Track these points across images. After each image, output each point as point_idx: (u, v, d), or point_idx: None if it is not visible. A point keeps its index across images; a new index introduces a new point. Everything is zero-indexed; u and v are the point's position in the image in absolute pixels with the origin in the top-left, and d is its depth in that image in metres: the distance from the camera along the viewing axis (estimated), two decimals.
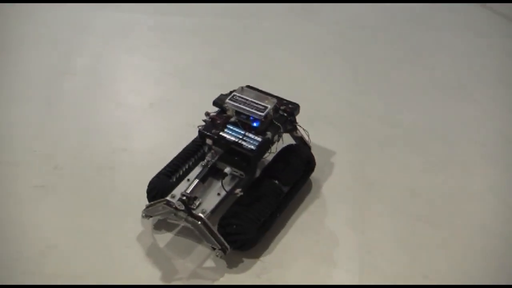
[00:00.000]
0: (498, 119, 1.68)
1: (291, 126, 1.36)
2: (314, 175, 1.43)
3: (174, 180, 1.30)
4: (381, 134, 1.61)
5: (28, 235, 1.32)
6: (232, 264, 1.25)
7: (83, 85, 1.76)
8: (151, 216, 1.28)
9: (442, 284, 1.22)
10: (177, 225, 1.31)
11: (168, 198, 1.21)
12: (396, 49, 1.96)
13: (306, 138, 1.42)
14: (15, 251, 1.27)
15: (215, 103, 1.32)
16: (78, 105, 1.69)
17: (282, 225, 1.33)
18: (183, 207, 1.18)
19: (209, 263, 1.25)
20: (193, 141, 1.39)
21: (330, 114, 1.67)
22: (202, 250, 1.27)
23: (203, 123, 1.29)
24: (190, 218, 1.20)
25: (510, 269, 1.27)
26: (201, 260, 1.26)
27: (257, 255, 1.26)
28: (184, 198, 1.18)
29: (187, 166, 1.33)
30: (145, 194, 1.33)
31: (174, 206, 1.20)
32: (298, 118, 1.37)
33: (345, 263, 1.27)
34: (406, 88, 1.79)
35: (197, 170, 1.27)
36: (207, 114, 1.29)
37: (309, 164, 1.41)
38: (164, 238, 1.30)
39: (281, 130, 1.30)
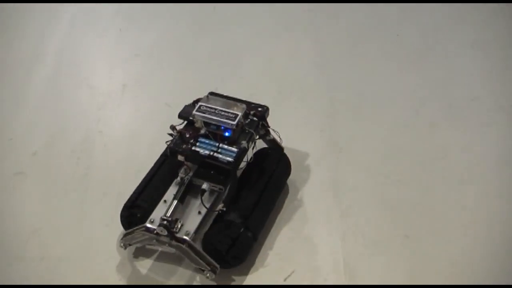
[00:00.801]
0: (465, 80, 1.72)
1: (264, 131, 1.31)
2: (288, 150, 1.42)
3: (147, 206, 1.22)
4: (350, 104, 1.64)
5: (12, 221, 1.33)
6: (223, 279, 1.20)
7: (53, 71, 1.76)
8: (129, 245, 1.20)
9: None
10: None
11: (147, 224, 1.14)
12: (361, 21, 1.99)
13: (278, 140, 1.35)
14: None
15: (180, 116, 1.25)
16: (50, 91, 1.70)
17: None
18: (165, 232, 1.12)
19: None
20: (159, 159, 1.32)
21: (297, 90, 1.69)
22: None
23: (170, 137, 1.23)
24: (174, 243, 1.13)
25: (488, 220, 1.32)
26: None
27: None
28: (165, 222, 1.11)
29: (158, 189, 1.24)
30: (122, 176, 1.36)
31: (155, 232, 1.13)
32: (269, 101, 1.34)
33: (326, 226, 1.31)
34: (375, 58, 1.82)
35: (172, 189, 1.20)
36: (173, 128, 1.23)
37: (286, 168, 1.36)
38: None
39: (255, 137, 1.26)
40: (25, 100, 1.66)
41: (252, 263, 1.22)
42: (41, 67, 1.77)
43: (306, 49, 1.84)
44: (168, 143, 1.22)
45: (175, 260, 1.22)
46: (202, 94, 1.32)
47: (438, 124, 1.58)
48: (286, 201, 1.36)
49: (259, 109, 1.28)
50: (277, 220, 1.32)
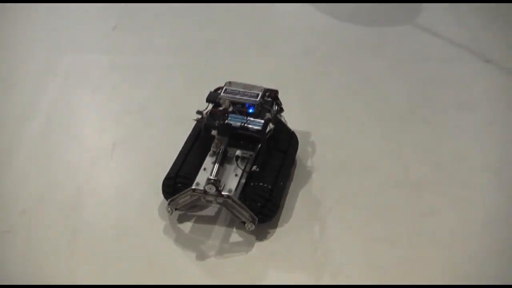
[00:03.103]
0: (453, 140, 1.75)
1: (279, 108, 1.55)
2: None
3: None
4: (337, 162, 1.66)
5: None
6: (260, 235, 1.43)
7: (45, 127, 1.77)
8: (177, 209, 1.42)
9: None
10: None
11: (194, 186, 1.37)
12: (349, 78, 2.03)
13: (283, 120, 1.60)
14: None
15: (208, 100, 1.49)
16: (40, 147, 1.70)
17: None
18: (213, 190, 1.34)
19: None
20: (188, 138, 1.56)
21: None
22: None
23: (196, 120, 1.50)
24: (220, 199, 1.36)
25: (478, 279, 1.33)
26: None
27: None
28: (212, 181, 1.33)
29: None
30: (111, 236, 1.40)
31: (203, 191, 1.35)
32: None
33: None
34: (362, 116, 1.85)
35: (208, 159, 1.44)
36: (199, 112, 1.46)
37: (296, 144, 1.61)
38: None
39: (273, 111, 1.50)
40: (15, 156, 1.67)
41: (277, 220, 1.47)
42: (33, 123, 1.78)
43: (295, 106, 1.86)
44: (196, 120, 1.50)
45: (210, 221, 1.46)
46: None
47: (426, 184, 1.60)
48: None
49: (271, 91, 1.53)
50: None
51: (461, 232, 1.46)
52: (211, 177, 1.35)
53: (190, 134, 1.57)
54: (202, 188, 1.36)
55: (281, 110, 1.56)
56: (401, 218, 1.50)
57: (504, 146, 1.76)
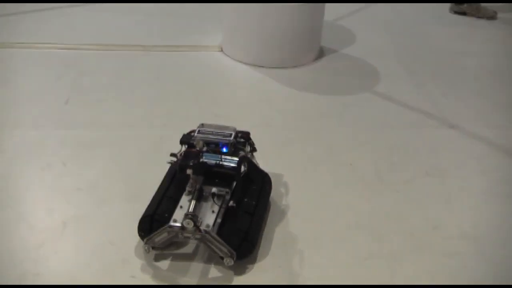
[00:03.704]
0: (424, 209, 1.68)
1: (252, 148, 1.59)
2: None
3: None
4: (309, 232, 1.56)
5: None
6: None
7: None
8: (153, 247, 1.41)
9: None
10: None
11: (171, 223, 1.37)
12: (312, 148, 1.96)
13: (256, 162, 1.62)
14: None
15: (182, 141, 1.51)
16: None
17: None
18: (191, 225, 1.33)
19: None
20: (163, 181, 1.57)
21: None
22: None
23: (171, 162, 1.50)
24: (198, 234, 1.36)
25: None
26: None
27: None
28: (190, 216, 1.34)
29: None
30: None
31: (180, 227, 1.35)
32: None
33: None
34: (328, 183, 1.77)
35: (185, 197, 1.44)
36: (173, 155, 1.48)
37: (270, 185, 1.63)
38: None
39: (247, 151, 1.54)
40: None
41: (256, 256, 1.46)
42: None
43: None
44: (170, 162, 1.49)
45: (188, 258, 1.45)
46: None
47: (401, 255, 1.50)
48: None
49: (243, 132, 1.57)
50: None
51: None
52: (189, 212, 1.35)
53: (164, 177, 1.58)
54: (179, 224, 1.35)
55: (254, 149, 1.59)
56: None
57: (478, 212, 1.69)
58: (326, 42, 2.79)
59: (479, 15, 3.36)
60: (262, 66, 2.55)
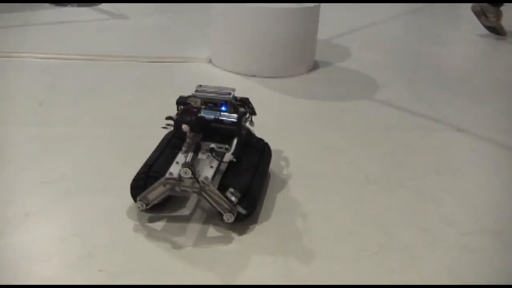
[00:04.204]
0: (436, 203, 1.48)
1: (251, 111, 1.47)
2: None
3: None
4: (311, 227, 1.35)
5: None
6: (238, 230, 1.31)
7: None
8: (148, 204, 1.30)
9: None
10: None
11: (167, 175, 1.27)
12: (310, 147, 1.77)
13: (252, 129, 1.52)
14: None
15: (178, 102, 1.39)
16: None
17: None
18: (189, 174, 1.23)
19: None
20: (158, 145, 1.46)
21: None
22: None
23: (166, 126, 1.35)
24: (197, 185, 1.26)
25: None
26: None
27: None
28: (188, 165, 1.23)
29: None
30: None
31: (177, 179, 1.26)
32: None
33: None
34: (325, 179, 1.58)
35: (181, 155, 1.33)
36: (169, 117, 1.34)
37: (269, 153, 1.56)
38: None
39: (247, 112, 1.44)
40: None
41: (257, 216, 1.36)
42: None
43: None
44: (165, 127, 1.35)
45: (185, 220, 1.34)
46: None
47: (415, 250, 1.29)
48: None
49: (242, 98, 1.47)
50: None
51: None
52: (186, 162, 1.25)
53: (159, 143, 1.47)
54: (176, 176, 1.26)
55: (253, 113, 1.48)
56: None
57: (498, 208, 1.49)
58: (320, 57, 2.66)
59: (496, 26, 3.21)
60: (254, 76, 2.40)
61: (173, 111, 1.40)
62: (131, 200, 1.37)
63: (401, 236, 1.34)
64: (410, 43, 3.15)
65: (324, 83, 2.38)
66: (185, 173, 1.24)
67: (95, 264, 1.19)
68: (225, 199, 1.27)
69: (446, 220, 1.41)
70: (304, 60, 2.49)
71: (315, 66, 2.57)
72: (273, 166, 1.59)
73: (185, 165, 1.24)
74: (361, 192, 1.53)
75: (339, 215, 1.42)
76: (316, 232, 1.34)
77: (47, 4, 3.46)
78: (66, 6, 3.46)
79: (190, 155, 1.28)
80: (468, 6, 3.31)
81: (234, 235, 1.30)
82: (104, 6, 3.52)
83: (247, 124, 1.48)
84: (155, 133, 1.50)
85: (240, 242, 1.28)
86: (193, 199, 1.43)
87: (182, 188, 1.28)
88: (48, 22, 3.11)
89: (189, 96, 1.42)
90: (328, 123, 1.97)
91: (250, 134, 1.50)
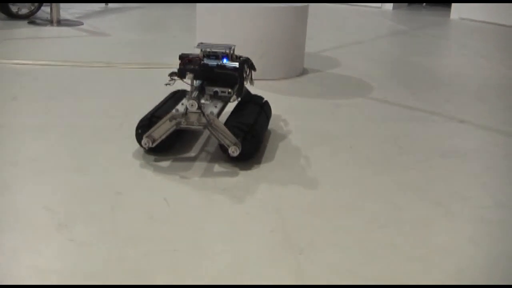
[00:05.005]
0: (447, 181, 1.35)
1: (252, 67, 1.50)
2: None
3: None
4: (309, 200, 1.21)
5: None
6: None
7: None
8: (154, 141, 1.30)
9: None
10: None
11: (172, 112, 1.29)
12: (306, 134, 1.64)
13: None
14: None
15: (181, 56, 1.41)
16: None
17: None
18: (195, 107, 1.25)
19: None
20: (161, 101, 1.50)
21: None
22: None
23: (170, 81, 1.38)
24: (203, 120, 1.28)
25: None
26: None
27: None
28: (195, 99, 1.25)
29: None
30: None
31: (183, 113, 1.27)
32: None
33: None
34: (327, 162, 1.44)
35: (185, 100, 1.33)
36: (172, 73, 1.38)
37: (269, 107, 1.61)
38: None
39: (248, 64, 1.46)
40: None
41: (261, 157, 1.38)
42: None
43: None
44: (168, 83, 1.37)
45: (191, 160, 1.35)
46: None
47: (428, 222, 1.15)
48: None
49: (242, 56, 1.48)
50: None
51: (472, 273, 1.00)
52: (192, 96, 1.27)
53: (161, 101, 1.50)
54: (182, 111, 1.28)
55: (253, 68, 1.50)
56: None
57: None
58: (309, 65, 2.55)
59: None
60: None
61: (154, 103, 1.47)
62: (110, 178, 1.23)
63: (410, 209, 1.20)
64: (400, 55, 3.09)
65: (316, 85, 2.28)
66: (192, 105, 1.25)
67: (66, 234, 1.04)
68: (230, 133, 1.28)
69: (460, 196, 1.28)
70: (293, 63, 2.39)
71: (304, 72, 2.46)
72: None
73: (191, 98, 1.25)
74: (363, 172, 1.40)
75: (342, 191, 1.28)
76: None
77: (25, 23, 3.35)
78: (45, 26, 3.35)
79: (195, 92, 1.29)
80: (453, 28, 3.28)
81: (239, 171, 1.32)
82: (85, 26, 3.42)
83: (247, 84, 1.51)
84: (135, 122, 1.39)
85: (246, 175, 1.29)
86: (197, 145, 1.46)
87: (189, 122, 1.29)
88: (28, 37, 3.00)
89: (190, 54, 1.44)
90: (323, 116, 1.85)
91: (249, 93, 1.56)
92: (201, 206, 1.16)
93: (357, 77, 2.42)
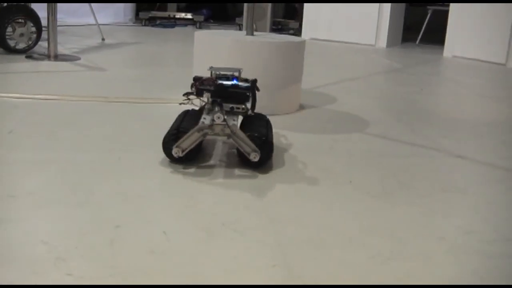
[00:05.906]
0: (451, 217, 1.34)
1: (257, 88, 1.65)
2: None
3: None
4: (312, 236, 1.19)
5: None
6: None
7: None
8: (183, 150, 1.49)
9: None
10: None
11: (200, 123, 1.50)
12: (305, 172, 1.63)
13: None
14: None
15: (195, 79, 1.60)
16: None
17: None
18: (221, 118, 1.46)
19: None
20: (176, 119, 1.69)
21: None
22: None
23: (185, 100, 1.62)
24: (227, 129, 1.49)
25: None
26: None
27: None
28: (220, 110, 1.47)
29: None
30: None
31: (210, 125, 1.49)
32: None
33: None
34: (326, 198, 1.43)
35: (205, 115, 1.57)
36: (187, 93, 1.60)
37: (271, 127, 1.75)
38: None
39: (255, 84, 1.64)
40: None
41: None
42: None
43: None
44: (183, 102, 1.62)
45: (213, 167, 1.55)
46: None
47: (433, 257, 1.14)
48: None
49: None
50: None
51: None
52: (216, 110, 1.48)
53: (175, 119, 1.68)
54: (209, 122, 1.49)
55: (257, 89, 1.65)
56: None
57: None
58: (305, 101, 2.56)
59: None
60: None
61: (154, 139, 1.60)
62: (109, 213, 1.21)
63: (415, 244, 1.19)
64: (396, 92, 3.11)
65: (313, 120, 2.28)
66: (218, 117, 1.45)
67: (64, 268, 1.01)
68: (250, 141, 1.48)
69: (464, 230, 1.27)
70: (290, 98, 2.39)
71: (300, 107, 2.47)
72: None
73: (216, 111, 1.46)
74: (365, 206, 1.39)
75: (344, 226, 1.26)
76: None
77: (23, 57, 3.36)
78: (43, 60, 3.36)
79: (217, 108, 1.49)
80: (446, 66, 3.32)
81: (258, 174, 1.53)
82: (82, 61, 3.44)
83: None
84: (135, 156, 1.40)
85: (247, 209, 1.32)
86: (215, 156, 1.66)
87: (215, 132, 1.49)
88: (25, 71, 3.00)
89: (202, 76, 1.62)
90: (321, 151, 1.84)
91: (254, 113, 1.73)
92: (201, 240, 1.14)
93: (354, 113, 2.43)
